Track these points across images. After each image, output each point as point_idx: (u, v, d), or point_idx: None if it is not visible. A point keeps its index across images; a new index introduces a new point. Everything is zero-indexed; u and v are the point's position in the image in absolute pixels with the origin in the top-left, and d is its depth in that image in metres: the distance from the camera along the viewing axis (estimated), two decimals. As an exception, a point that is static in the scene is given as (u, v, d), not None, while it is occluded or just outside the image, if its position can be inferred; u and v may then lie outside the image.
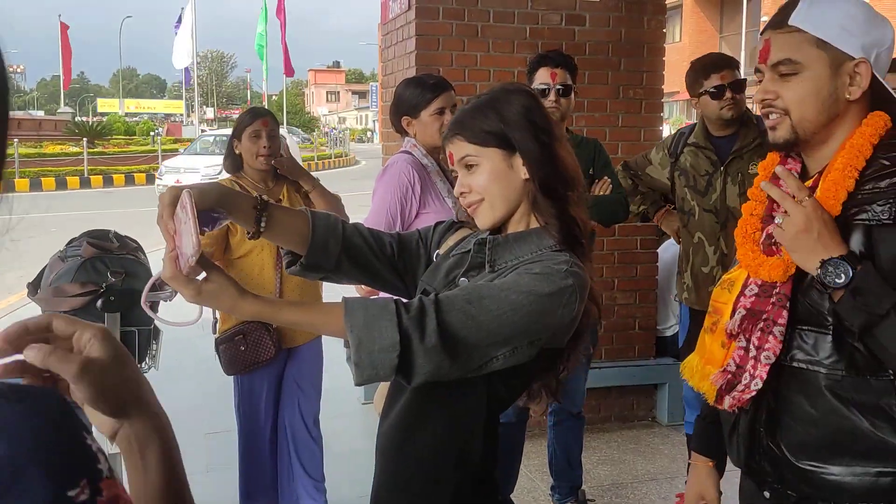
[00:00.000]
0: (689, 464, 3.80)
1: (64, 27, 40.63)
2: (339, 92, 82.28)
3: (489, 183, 1.60)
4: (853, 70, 1.53)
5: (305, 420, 3.50)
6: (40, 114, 55.23)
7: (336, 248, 1.68)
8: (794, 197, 1.49)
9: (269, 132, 3.31)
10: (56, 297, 2.75)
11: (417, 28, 4.37)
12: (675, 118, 33.53)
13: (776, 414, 1.60)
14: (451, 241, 1.77)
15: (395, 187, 2.92)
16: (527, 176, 1.60)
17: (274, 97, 53.08)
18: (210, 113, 52.31)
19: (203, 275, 1.45)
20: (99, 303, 2.73)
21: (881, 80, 1.54)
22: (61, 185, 21.18)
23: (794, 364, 1.57)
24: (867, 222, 1.47)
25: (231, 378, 3.44)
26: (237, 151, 3.38)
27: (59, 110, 45.16)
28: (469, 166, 1.62)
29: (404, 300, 1.47)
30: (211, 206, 1.51)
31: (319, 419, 3.59)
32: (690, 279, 3.57)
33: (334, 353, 4.02)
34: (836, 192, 1.50)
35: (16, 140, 21.78)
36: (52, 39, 41.81)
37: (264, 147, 3.29)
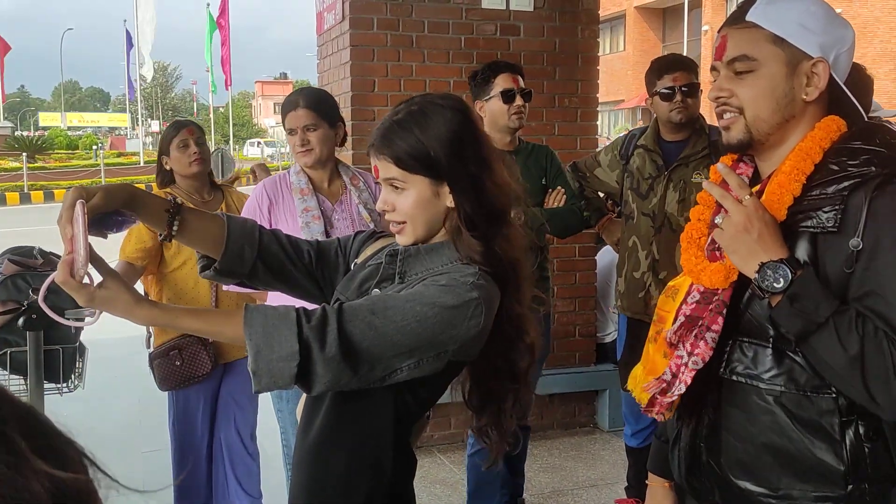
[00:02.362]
0: (628, 470, 3.87)
1: (0, 39, 39.74)
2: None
3: (414, 209, 1.57)
4: (811, 70, 1.47)
5: (241, 435, 3.45)
6: (-22, 129, 53.93)
7: (251, 255, 1.67)
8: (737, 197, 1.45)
9: (195, 140, 3.28)
10: (-25, 315, 2.69)
11: (352, 39, 4.36)
12: (619, 126, 33.98)
13: (716, 429, 1.55)
14: (369, 251, 1.76)
15: (246, 211, 3.00)
16: (452, 205, 1.57)
17: (221, 109, 52.54)
18: (155, 126, 51.53)
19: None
20: (21, 321, 2.68)
21: (839, 82, 1.50)
22: (0, 201, 20.70)
23: (734, 377, 1.51)
24: (812, 230, 1.42)
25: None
26: (167, 167, 3.35)
27: (-3, 124, 44.12)
28: (395, 187, 1.58)
29: (308, 308, 1.45)
30: (118, 207, 1.48)
31: (257, 434, 3.54)
32: (624, 284, 3.58)
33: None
34: (781, 197, 1.45)
35: (-48, 156, 21.27)
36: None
37: (194, 153, 3.26)
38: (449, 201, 1.56)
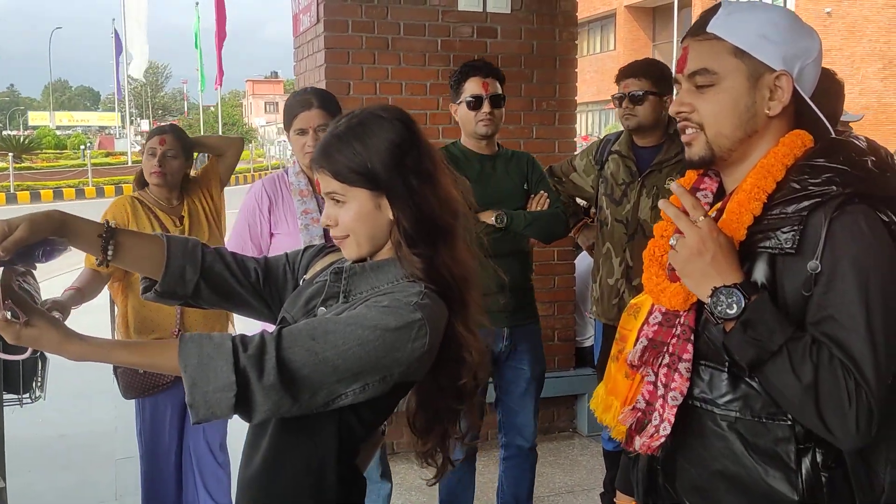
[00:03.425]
0: (605, 475, 3.84)
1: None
2: (277, 102, 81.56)
3: (354, 222, 1.54)
4: (773, 83, 1.42)
5: (211, 445, 3.40)
6: (-33, 128, 53.72)
7: (194, 275, 1.63)
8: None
9: (164, 151, 3.23)
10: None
11: (326, 41, 4.32)
12: (610, 125, 33.98)
13: (672, 453, 1.50)
14: (318, 266, 1.72)
15: (243, 210, 2.96)
16: (394, 217, 1.53)
17: (212, 108, 52.39)
18: (145, 125, 51.30)
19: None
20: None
21: (804, 95, 1.44)
22: (-14, 201, 20.58)
23: (689, 401, 1.45)
24: (771, 250, 1.36)
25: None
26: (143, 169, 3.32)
27: (-15, 124, 43.94)
28: (336, 201, 1.55)
29: (246, 336, 1.41)
30: (46, 236, 1.43)
31: (227, 443, 3.50)
32: (598, 290, 3.55)
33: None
34: (740, 216, 1.39)
35: (-63, 156, 21.14)
36: (-22, 52, 40.65)
37: (156, 165, 3.21)
38: (390, 214, 1.53)
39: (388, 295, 1.49)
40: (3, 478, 2.68)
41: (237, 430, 3.57)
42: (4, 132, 39.48)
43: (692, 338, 1.43)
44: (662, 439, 1.44)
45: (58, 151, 33.57)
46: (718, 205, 1.49)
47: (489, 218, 3.10)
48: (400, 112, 1.60)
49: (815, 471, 1.37)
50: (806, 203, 1.34)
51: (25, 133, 41.09)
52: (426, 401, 1.61)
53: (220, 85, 35.48)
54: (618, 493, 1.85)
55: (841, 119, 5.93)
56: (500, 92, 3.21)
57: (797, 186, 1.36)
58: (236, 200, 3.22)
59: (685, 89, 1.47)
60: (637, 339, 1.49)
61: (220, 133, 38.36)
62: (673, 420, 1.43)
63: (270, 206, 2.92)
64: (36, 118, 63.18)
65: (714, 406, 1.43)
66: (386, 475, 3.18)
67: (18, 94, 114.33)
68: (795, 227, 1.33)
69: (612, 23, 37.55)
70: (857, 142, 1.43)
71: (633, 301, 1.61)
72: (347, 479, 1.56)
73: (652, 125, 3.38)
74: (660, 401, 1.45)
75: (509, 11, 4.57)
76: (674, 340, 1.44)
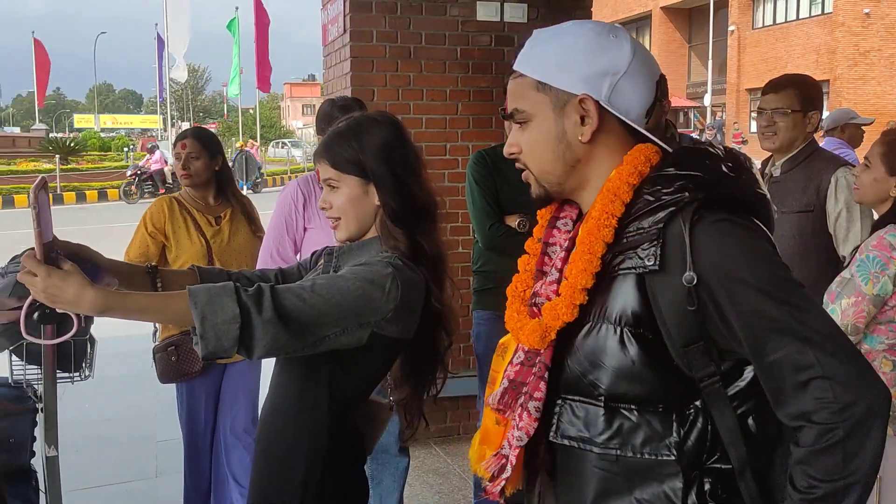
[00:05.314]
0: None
1: (38, 43, 40.60)
2: (314, 105, 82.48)
3: (345, 205, 1.85)
4: (581, 109, 1.35)
5: (236, 428, 3.66)
6: (16, 130, 55.00)
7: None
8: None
9: (187, 154, 3.53)
10: (-6, 309, 2.95)
11: (352, 50, 4.60)
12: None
13: (554, 500, 1.43)
14: (322, 260, 2.01)
15: (280, 206, 3.25)
16: (379, 203, 1.84)
17: (250, 111, 53.12)
18: (186, 127, 52.08)
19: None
20: (35, 315, 2.93)
21: (610, 110, 1.35)
22: (33, 201, 21.16)
23: (566, 442, 1.36)
24: (635, 271, 1.28)
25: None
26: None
27: (33, 127, 45.02)
28: (331, 186, 1.86)
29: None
30: (96, 262, 1.78)
31: (252, 427, 3.76)
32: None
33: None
34: (591, 246, 1.32)
35: (-13, 157, 21.84)
36: (28, 56, 41.72)
37: (183, 168, 3.54)
38: (377, 199, 1.83)
39: (366, 261, 1.79)
40: (56, 447, 2.97)
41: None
42: (51, 134, 40.44)
43: (546, 375, 1.36)
44: (502, 483, 1.40)
45: (102, 153, 34.30)
46: (572, 233, 1.45)
47: (513, 221, 3.38)
48: (392, 117, 1.93)
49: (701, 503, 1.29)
50: (661, 214, 1.28)
51: (71, 135, 42.01)
52: (407, 359, 1.92)
53: (269, 88, 35.96)
54: None
55: (852, 122, 6.11)
56: None
57: (651, 198, 1.30)
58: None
59: (514, 129, 1.44)
60: (501, 382, 1.42)
61: (259, 135, 38.90)
62: (514, 462, 1.38)
63: (304, 203, 3.22)
64: (81, 121, 64.65)
65: (593, 445, 1.33)
66: (403, 450, 3.43)
67: (64, 97, 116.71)
68: (654, 242, 1.27)
69: (648, 24, 37.48)
70: (711, 149, 1.37)
71: (501, 340, 1.50)
72: (341, 434, 1.83)
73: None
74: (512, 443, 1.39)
75: (526, 21, 4.81)
76: (531, 379, 1.37)
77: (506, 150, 1.46)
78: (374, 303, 1.70)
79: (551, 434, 1.38)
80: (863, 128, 6.27)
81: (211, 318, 1.57)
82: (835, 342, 1.21)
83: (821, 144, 3.67)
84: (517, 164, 1.45)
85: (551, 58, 1.37)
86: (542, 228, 1.50)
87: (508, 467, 1.39)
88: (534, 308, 1.41)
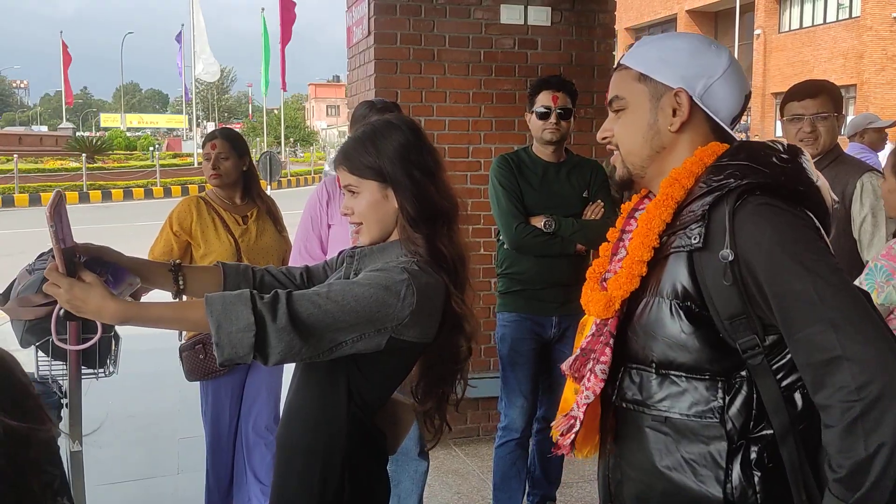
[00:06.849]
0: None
1: (64, 45, 41.07)
2: (339, 106, 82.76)
3: (366, 210, 1.86)
4: (675, 101, 1.50)
5: (258, 426, 3.70)
6: (43, 129, 55.65)
7: (247, 287, 1.94)
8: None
9: (217, 154, 3.56)
10: (21, 306, 2.99)
11: (376, 53, 4.63)
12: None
13: (618, 460, 1.55)
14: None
15: (308, 205, 3.36)
16: (398, 206, 1.84)
17: (275, 111, 53.42)
18: (211, 127, 52.43)
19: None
20: (61, 311, 2.97)
21: (702, 107, 1.50)
22: (60, 199, 21.39)
23: (624, 405, 1.51)
24: (683, 249, 1.42)
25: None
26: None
27: (60, 126, 45.54)
28: (352, 192, 1.87)
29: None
30: (120, 264, 1.82)
31: (274, 425, 3.80)
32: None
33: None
34: (651, 223, 1.47)
35: (15, 155, 22.10)
36: (56, 56, 42.25)
37: (212, 168, 3.56)
38: (396, 203, 1.84)
39: (381, 267, 1.79)
40: (80, 443, 3.01)
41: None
42: (78, 133, 40.86)
43: (611, 342, 1.50)
44: (572, 436, 1.53)
45: (128, 152, 34.67)
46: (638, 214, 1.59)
47: (539, 222, 3.41)
48: (409, 121, 1.94)
49: (746, 469, 1.39)
50: (709, 198, 1.41)
51: (97, 134, 42.48)
52: (428, 366, 1.90)
53: (285, 89, 36.22)
54: None
55: (870, 126, 6.06)
56: (569, 105, 3.53)
57: (703, 185, 1.44)
58: (303, 201, 3.56)
59: (609, 117, 1.61)
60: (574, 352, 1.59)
61: (283, 136, 39.07)
62: (582, 418, 1.50)
63: (329, 201, 3.31)
64: (107, 120, 65.27)
65: (646, 407, 1.48)
66: (423, 454, 3.45)
67: (91, 97, 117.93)
68: (700, 222, 1.40)
69: (673, 27, 37.29)
70: (773, 144, 1.50)
71: (581, 320, 1.68)
72: (359, 432, 1.84)
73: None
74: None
75: (549, 24, 4.82)
76: (598, 346, 1.52)
77: (599, 135, 1.62)
78: (389, 308, 1.71)
79: (614, 398, 1.53)
80: (885, 130, 6.22)
81: (226, 327, 1.60)
82: (857, 324, 1.27)
83: (845, 150, 3.65)
84: (608, 148, 1.61)
85: (655, 54, 1.54)
86: (623, 219, 1.64)
87: (577, 424, 1.51)
88: (603, 283, 1.55)
